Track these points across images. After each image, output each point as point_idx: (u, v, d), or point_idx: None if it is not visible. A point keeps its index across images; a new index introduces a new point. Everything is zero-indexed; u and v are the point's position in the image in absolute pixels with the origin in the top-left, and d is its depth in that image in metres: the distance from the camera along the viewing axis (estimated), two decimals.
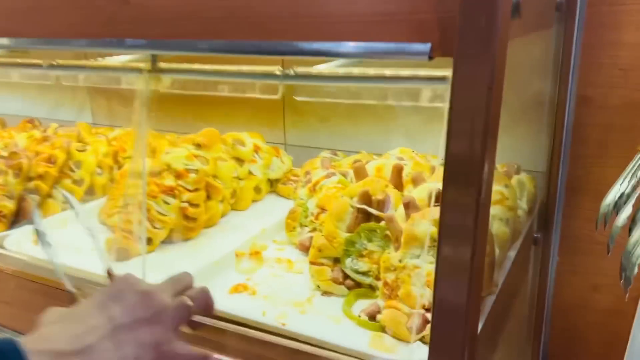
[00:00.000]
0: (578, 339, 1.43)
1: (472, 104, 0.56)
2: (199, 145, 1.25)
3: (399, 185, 0.98)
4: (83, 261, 0.95)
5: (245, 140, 1.34)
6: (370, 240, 0.91)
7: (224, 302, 0.86)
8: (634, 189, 0.92)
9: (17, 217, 1.23)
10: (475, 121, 0.56)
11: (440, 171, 1.02)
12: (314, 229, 1.02)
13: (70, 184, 1.30)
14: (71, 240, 1.01)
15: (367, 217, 0.93)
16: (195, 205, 1.13)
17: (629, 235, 0.94)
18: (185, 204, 1.10)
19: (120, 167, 1.37)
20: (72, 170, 1.31)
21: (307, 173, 1.16)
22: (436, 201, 0.88)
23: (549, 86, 1.26)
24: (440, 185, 0.94)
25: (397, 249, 0.87)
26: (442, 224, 0.59)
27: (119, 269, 1.00)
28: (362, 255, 0.91)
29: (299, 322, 0.82)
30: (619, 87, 1.26)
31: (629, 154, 1.31)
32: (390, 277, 0.85)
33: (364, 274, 0.91)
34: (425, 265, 0.82)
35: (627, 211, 0.91)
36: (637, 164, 1.00)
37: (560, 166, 1.32)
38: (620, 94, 1.26)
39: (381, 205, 0.93)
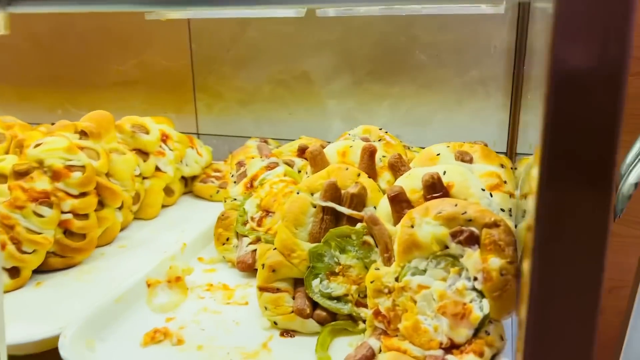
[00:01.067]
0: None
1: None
2: (84, 134, 0.93)
3: (371, 173, 0.72)
4: None
5: (148, 127, 1.02)
6: (344, 251, 0.65)
7: None
8: None
9: None
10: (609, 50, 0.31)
11: (429, 153, 0.78)
12: (257, 240, 0.74)
13: None
14: None
15: (335, 218, 0.66)
16: (83, 217, 0.86)
17: None
18: (68, 215, 0.84)
19: None
20: None
21: (240, 164, 0.87)
22: (434, 190, 0.63)
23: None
24: (439, 169, 0.69)
25: (388, 261, 0.61)
26: (543, 230, 0.33)
27: None
28: (334, 273, 0.64)
29: None
30: None
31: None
32: (384, 303, 0.59)
33: (340, 299, 0.64)
34: (435, 284, 0.56)
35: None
36: None
37: None
38: None
39: (355, 201, 0.66)
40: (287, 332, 0.63)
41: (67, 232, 0.85)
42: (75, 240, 0.86)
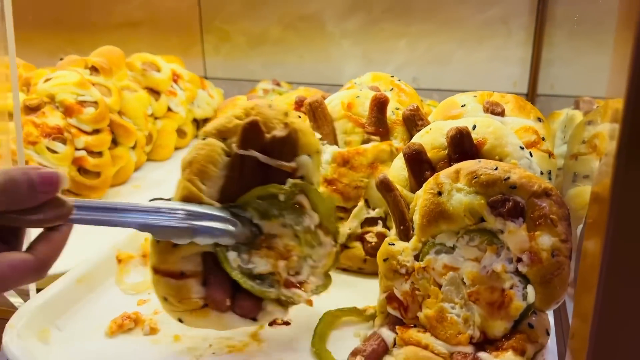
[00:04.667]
0: None
1: None
2: (95, 69, 0.69)
3: (383, 128, 0.47)
4: None
5: (159, 65, 0.77)
6: (266, 217, 0.37)
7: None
8: None
9: None
10: None
11: (452, 104, 0.50)
12: None
13: None
14: None
15: (260, 172, 0.37)
16: (97, 155, 0.66)
17: None
18: (82, 152, 0.64)
19: None
20: None
21: None
22: (462, 148, 0.38)
23: None
24: (467, 122, 0.44)
25: (405, 235, 0.38)
26: None
27: None
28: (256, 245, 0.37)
29: None
30: None
31: None
32: (400, 286, 0.37)
33: (265, 279, 0.37)
34: (466, 265, 0.34)
35: None
36: None
37: None
38: None
39: (284, 148, 0.37)
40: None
41: (82, 170, 0.64)
42: (90, 179, 0.64)
